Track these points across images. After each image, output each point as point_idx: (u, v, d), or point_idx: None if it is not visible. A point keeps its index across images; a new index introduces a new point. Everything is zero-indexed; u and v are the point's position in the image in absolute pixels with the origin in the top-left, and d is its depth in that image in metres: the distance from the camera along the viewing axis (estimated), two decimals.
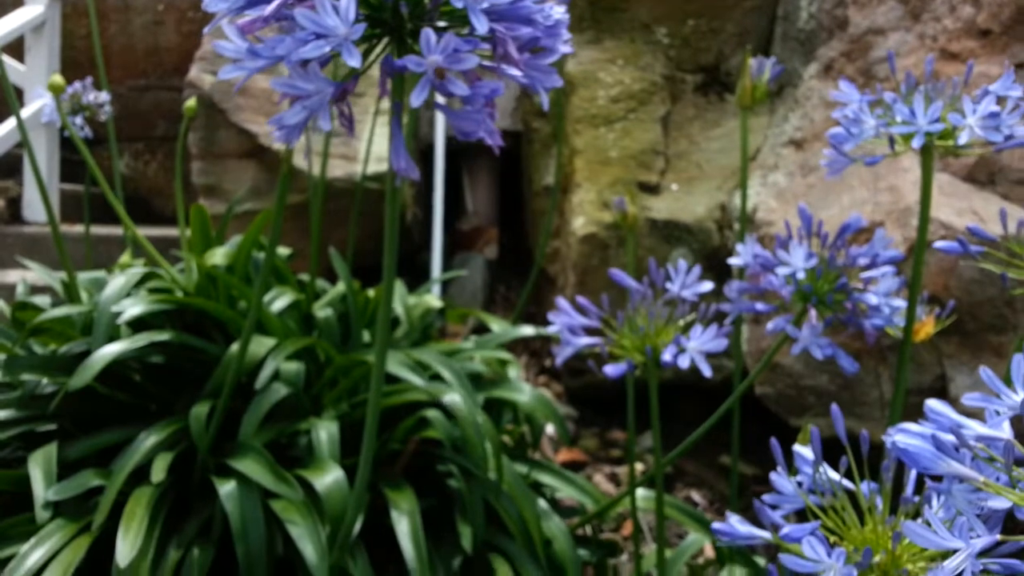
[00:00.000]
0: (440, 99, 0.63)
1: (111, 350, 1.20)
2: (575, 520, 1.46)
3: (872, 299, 0.92)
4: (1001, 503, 0.53)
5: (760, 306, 0.97)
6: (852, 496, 0.64)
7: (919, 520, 0.56)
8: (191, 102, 1.54)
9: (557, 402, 2.45)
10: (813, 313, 0.98)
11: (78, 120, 1.81)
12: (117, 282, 1.29)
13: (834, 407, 0.65)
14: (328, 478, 1.14)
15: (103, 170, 1.37)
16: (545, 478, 1.50)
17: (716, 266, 2.32)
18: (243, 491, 1.12)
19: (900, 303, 0.95)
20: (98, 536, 1.12)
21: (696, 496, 2.13)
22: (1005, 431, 0.53)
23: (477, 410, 1.26)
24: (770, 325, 0.98)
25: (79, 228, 2.97)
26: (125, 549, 1.03)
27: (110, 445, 1.25)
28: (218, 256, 1.41)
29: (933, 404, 0.55)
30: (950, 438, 0.53)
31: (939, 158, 1.83)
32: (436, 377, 1.38)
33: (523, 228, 2.99)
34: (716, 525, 0.63)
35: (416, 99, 0.50)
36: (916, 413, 0.58)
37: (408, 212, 2.60)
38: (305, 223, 1.98)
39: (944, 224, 1.57)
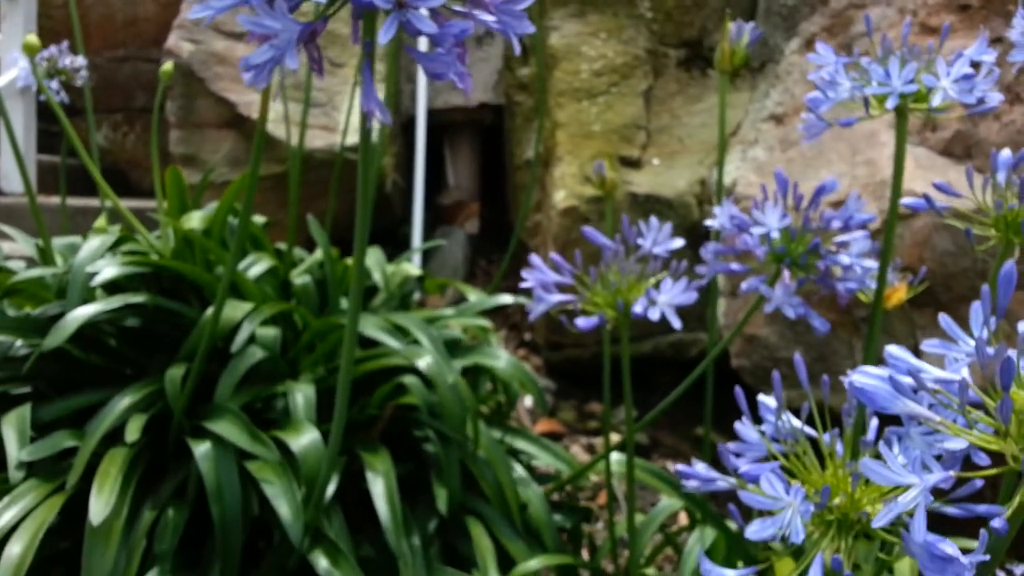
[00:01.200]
0: (418, 48, 0.63)
1: (85, 311, 1.19)
2: (551, 486, 1.48)
3: (844, 259, 0.93)
4: (957, 444, 0.54)
5: (735, 266, 0.98)
6: (815, 444, 0.65)
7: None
8: (167, 66, 1.52)
9: (536, 375, 2.46)
10: (786, 274, 0.98)
11: (54, 84, 1.78)
12: (92, 244, 1.28)
13: (796, 356, 0.66)
14: (304, 439, 1.14)
15: (80, 141, 1.35)
16: (522, 444, 1.52)
17: (696, 241, 2.33)
18: (218, 452, 1.12)
19: (872, 264, 0.96)
20: (72, 497, 1.12)
21: (671, 467, 2.15)
22: (963, 375, 0.54)
23: (452, 373, 1.26)
24: (744, 285, 0.99)
25: (55, 200, 2.94)
26: (99, 507, 1.03)
27: (84, 407, 1.24)
28: (195, 220, 1.40)
29: (892, 349, 0.56)
30: (908, 380, 0.54)
31: (916, 132, 1.84)
32: (414, 343, 1.38)
33: (505, 202, 2.98)
34: (680, 467, 0.64)
35: (384, 36, 0.49)
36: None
37: (388, 180, 2.59)
38: (284, 194, 1.97)
39: (919, 196, 1.58)
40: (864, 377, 0.52)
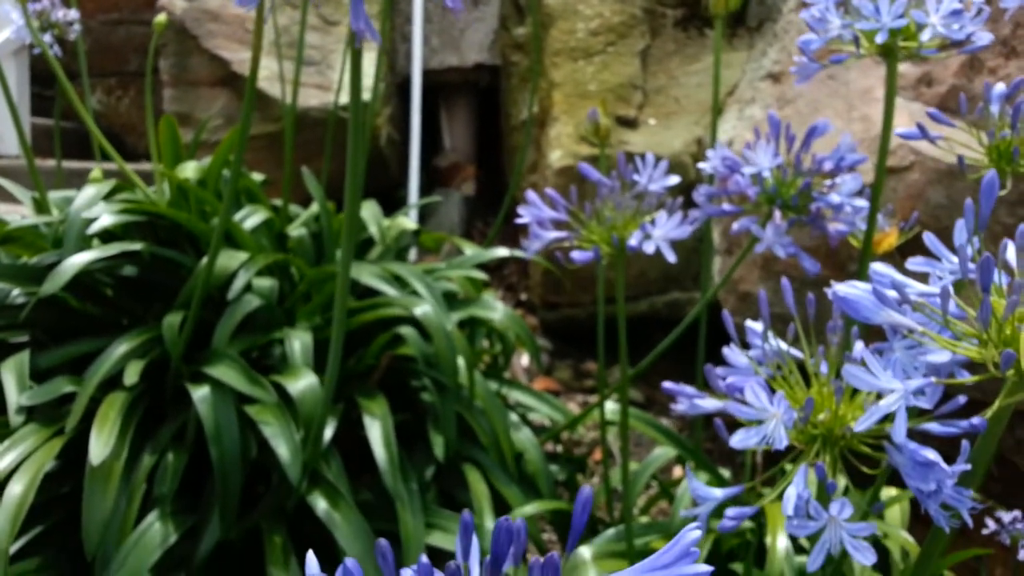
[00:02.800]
0: None
1: (82, 258, 1.20)
2: (546, 436, 1.49)
3: (835, 199, 0.94)
4: (940, 357, 0.55)
5: (727, 207, 0.99)
6: (801, 365, 0.66)
7: None
8: (161, 17, 1.51)
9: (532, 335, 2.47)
10: (778, 214, 0.99)
11: (47, 38, 1.77)
12: (87, 193, 1.28)
13: (784, 280, 0.67)
14: (302, 383, 1.15)
15: (74, 106, 1.35)
16: (518, 396, 1.53)
17: (692, 201, 2.33)
18: (217, 395, 1.13)
19: (863, 203, 0.97)
20: (72, 442, 1.13)
21: (666, 424, 2.17)
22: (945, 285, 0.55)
23: (448, 321, 1.27)
24: (735, 225, 1.00)
25: (51, 163, 2.93)
26: (98, 448, 1.05)
27: (82, 355, 1.25)
28: (189, 171, 1.40)
29: (876, 266, 0.56)
30: (893, 294, 0.55)
31: (912, 88, 1.84)
32: (411, 294, 1.39)
33: (501, 165, 2.98)
34: (667, 385, 0.65)
35: None
36: (880, 337, 0.60)
37: (382, 134, 2.58)
38: (279, 153, 1.96)
39: (913, 149, 1.59)
40: (848, 287, 0.53)
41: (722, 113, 2.32)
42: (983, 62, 1.67)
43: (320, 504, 1.12)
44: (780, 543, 1.23)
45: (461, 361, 1.32)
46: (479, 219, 2.91)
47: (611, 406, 1.45)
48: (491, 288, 2.55)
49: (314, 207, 1.57)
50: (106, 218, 1.26)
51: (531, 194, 0.87)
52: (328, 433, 1.18)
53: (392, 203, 2.84)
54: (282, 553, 1.12)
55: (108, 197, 1.30)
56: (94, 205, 1.24)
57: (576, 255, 0.82)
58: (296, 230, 1.53)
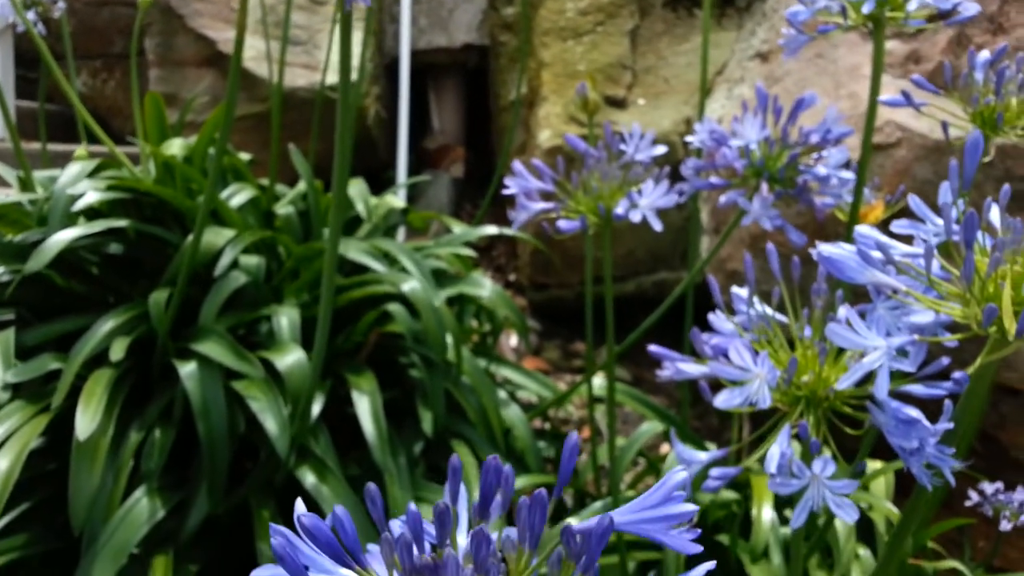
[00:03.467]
0: None
1: (67, 235, 1.19)
2: (534, 413, 1.50)
3: (821, 170, 0.94)
4: (924, 318, 0.55)
5: (715, 180, 0.99)
6: (787, 331, 0.66)
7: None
8: None
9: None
10: (764, 187, 0.99)
11: (31, 15, 1.75)
12: (72, 170, 1.27)
13: (769, 245, 0.67)
14: (289, 358, 1.15)
15: (59, 88, 1.34)
16: (506, 372, 1.53)
17: (680, 180, 2.33)
18: (204, 371, 1.13)
19: (849, 175, 0.97)
20: (59, 420, 1.12)
21: (655, 402, 2.18)
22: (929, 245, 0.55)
23: (436, 297, 1.27)
24: (722, 198, 1.00)
25: (35, 145, 2.90)
26: (84, 423, 1.04)
27: (68, 333, 1.24)
28: (175, 147, 1.39)
29: (861, 228, 0.57)
30: (877, 255, 0.55)
31: (900, 65, 1.84)
32: (400, 271, 1.39)
33: (490, 146, 2.97)
34: (653, 348, 0.65)
35: None
36: (865, 302, 0.60)
37: (370, 113, 2.57)
38: (266, 134, 1.95)
39: (901, 126, 1.59)
40: (833, 247, 0.53)
41: (711, 93, 2.32)
42: (970, 38, 1.67)
43: (308, 478, 1.12)
44: (765, 515, 1.24)
45: (449, 338, 1.32)
46: (468, 201, 2.90)
47: (599, 382, 1.46)
48: (480, 269, 2.55)
49: (301, 186, 1.57)
50: (91, 195, 1.25)
51: (517, 165, 0.87)
52: (316, 409, 1.17)
53: (380, 185, 2.83)
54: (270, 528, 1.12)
55: (93, 174, 1.29)
56: (79, 182, 1.23)
57: (562, 224, 0.82)
58: (283, 208, 1.52)
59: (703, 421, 2.11)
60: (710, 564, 0.37)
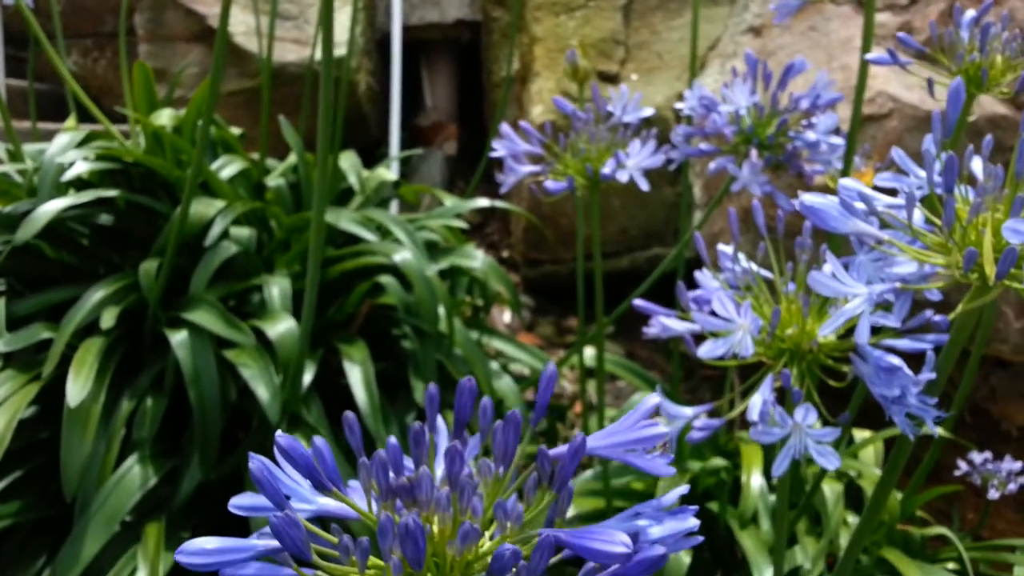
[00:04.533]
0: None
1: (57, 205, 1.19)
2: (525, 384, 1.50)
3: (811, 136, 0.94)
4: (906, 269, 0.55)
5: (704, 146, 0.99)
6: (772, 287, 0.67)
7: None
8: None
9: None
10: (754, 153, 0.99)
11: None
12: (61, 140, 1.27)
13: (755, 203, 0.68)
14: (281, 327, 1.15)
15: (51, 68, 1.33)
16: (499, 344, 1.54)
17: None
18: (195, 339, 1.13)
19: (839, 141, 0.97)
20: (51, 388, 1.12)
21: (644, 371, 2.19)
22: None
23: (428, 267, 1.27)
24: (712, 165, 1.00)
25: (25, 124, 2.88)
26: (75, 391, 1.04)
27: (59, 303, 1.24)
28: (164, 118, 1.38)
29: (845, 181, 0.57)
30: (860, 206, 0.55)
31: (892, 37, 1.84)
32: (392, 242, 1.39)
33: (483, 123, 2.96)
34: (639, 302, 0.66)
35: None
36: (849, 255, 0.60)
37: (362, 90, 2.55)
38: (256, 110, 1.94)
39: (892, 97, 1.59)
40: (815, 196, 0.53)
41: (704, 68, 2.32)
42: (962, 11, 1.67)
43: None
44: (754, 482, 1.25)
45: (441, 309, 1.32)
46: (461, 178, 2.89)
47: (591, 353, 1.46)
48: (472, 244, 2.55)
49: (292, 158, 1.56)
50: (80, 165, 1.24)
51: (505, 127, 0.87)
52: (308, 378, 1.18)
53: (373, 161, 2.81)
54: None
55: (82, 145, 1.29)
56: (68, 152, 1.23)
57: (549, 184, 0.82)
58: (274, 181, 1.52)
59: (695, 395, 2.11)
60: (694, 524, 0.37)
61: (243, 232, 1.35)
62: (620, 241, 2.36)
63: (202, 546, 0.36)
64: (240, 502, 0.40)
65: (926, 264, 0.53)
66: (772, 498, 1.23)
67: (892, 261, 0.56)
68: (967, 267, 0.45)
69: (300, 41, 2.40)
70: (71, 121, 1.39)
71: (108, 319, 1.12)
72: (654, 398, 0.35)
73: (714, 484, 1.31)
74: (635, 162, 0.84)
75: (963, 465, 1.59)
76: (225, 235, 1.28)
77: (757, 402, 0.54)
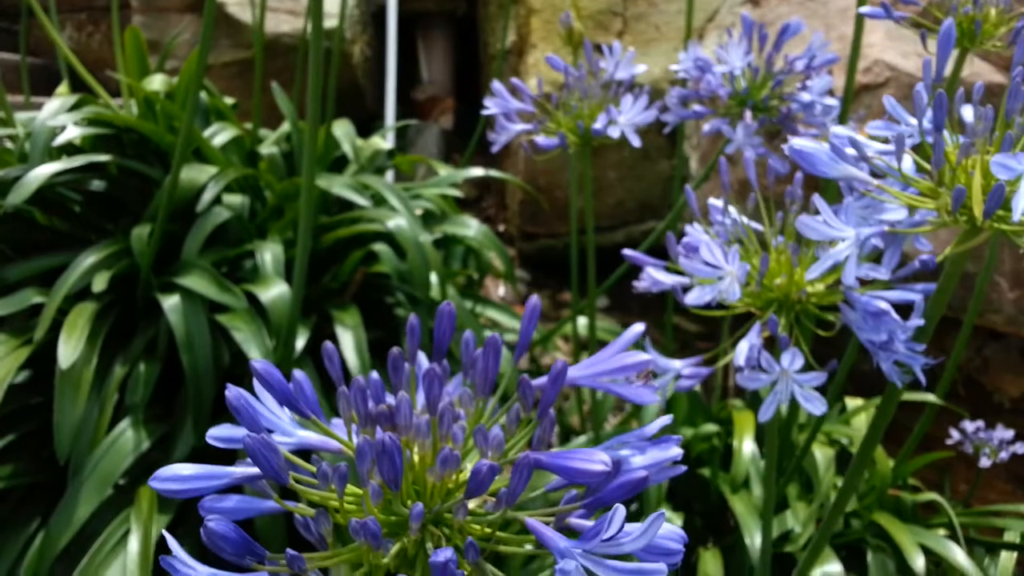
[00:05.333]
0: None
1: (49, 168, 1.18)
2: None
3: (805, 97, 0.94)
4: (895, 215, 0.55)
5: (699, 107, 0.98)
6: (762, 240, 0.66)
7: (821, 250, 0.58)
8: None
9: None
10: (748, 115, 0.99)
11: None
12: (53, 105, 1.26)
13: (747, 154, 0.67)
14: (273, 291, 1.15)
15: (44, 42, 1.32)
16: (492, 314, 1.54)
17: (671, 130, 2.32)
18: (187, 304, 1.13)
19: (833, 102, 0.96)
20: (43, 353, 1.12)
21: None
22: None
23: (422, 233, 1.27)
24: (706, 127, 0.99)
25: (19, 98, 2.86)
26: (66, 352, 1.04)
27: (50, 269, 1.24)
28: (157, 83, 1.37)
29: (836, 128, 0.56)
30: (851, 152, 0.55)
31: (891, 3, 1.82)
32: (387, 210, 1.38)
33: (479, 97, 2.94)
34: (628, 252, 0.65)
35: None
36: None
37: (357, 62, 2.54)
38: (251, 81, 1.92)
39: (889, 65, 1.58)
40: (805, 141, 0.53)
41: (702, 40, 2.30)
42: None
43: None
44: (746, 447, 1.25)
45: (434, 276, 1.32)
46: (457, 152, 2.88)
47: (584, 322, 1.46)
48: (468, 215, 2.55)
49: (285, 126, 1.55)
50: (72, 130, 1.23)
51: (497, 85, 0.86)
52: (300, 343, 1.18)
53: (368, 134, 2.80)
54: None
55: (74, 109, 1.28)
56: (59, 115, 1.22)
57: (540, 140, 0.81)
58: (267, 149, 1.51)
59: None
60: (677, 453, 0.37)
61: (236, 199, 1.34)
62: (616, 215, 2.36)
63: (177, 472, 0.36)
64: (218, 433, 0.40)
65: (916, 212, 0.52)
66: (764, 464, 1.24)
67: (881, 207, 0.56)
68: (955, 207, 0.45)
69: (294, 12, 2.38)
70: (63, 87, 1.37)
71: (100, 283, 1.12)
72: (638, 327, 0.35)
73: (706, 450, 1.31)
74: (627, 118, 0.83)
75: (955, 434, 1.60)
76: (217, 201, 1.27)
77: (743, 347, 0.54)
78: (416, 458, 0.37)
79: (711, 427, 1.31)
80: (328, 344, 0.39)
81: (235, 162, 1.44)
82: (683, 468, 0.37)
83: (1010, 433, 1.56)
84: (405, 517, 0.35)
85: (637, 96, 0.87)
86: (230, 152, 1.45)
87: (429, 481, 0.36)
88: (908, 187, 0.52)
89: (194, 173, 1.27)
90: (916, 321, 0.53)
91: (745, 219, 0.66)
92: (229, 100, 1.68)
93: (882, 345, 0.53)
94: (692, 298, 0.57)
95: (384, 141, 1.66)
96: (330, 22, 2.32)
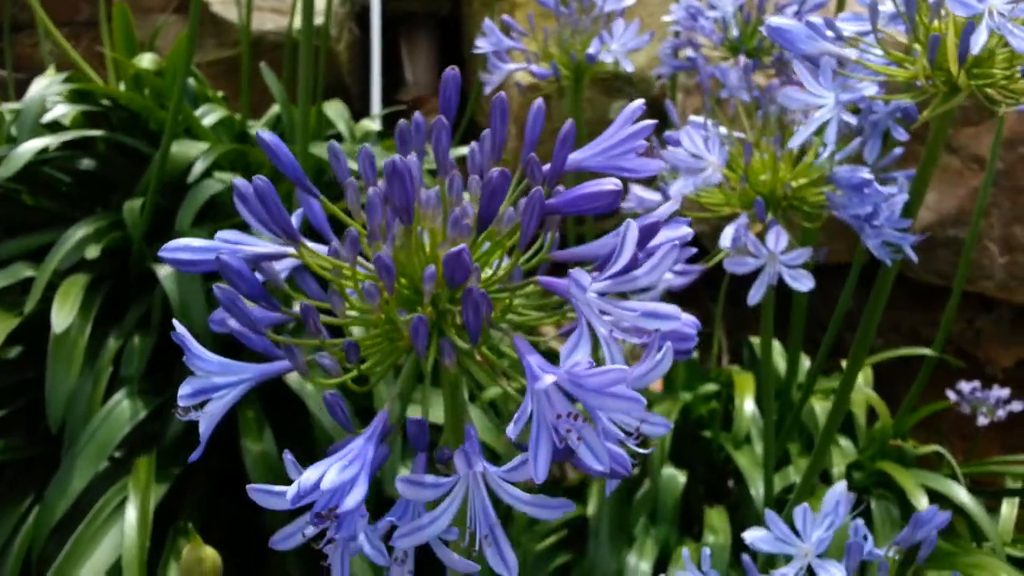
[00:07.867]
0: None
1: (37, 143, 1.18)
2: None
3: None
4: (871, 90, 0.56)
5: (691, 53, 0.99)
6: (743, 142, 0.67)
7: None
8: None
9: None
10: (742, 59, 0.99)
11: None
12: (41, 83, 1.26)
13: (722, 66, 0.68)
14: None
15: (26, 57, 1.33)
16: None
17: (656, 115, 2.33)
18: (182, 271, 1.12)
19: None
20: (36, 326, 1.12)
21: None
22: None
23: None
24: (699, 77, 1.00)
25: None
26: (60, 319, 1.04)
27: (40, 247, 1.23)
28: (146, 61, 1.38)
29: (813, 16, 0.57)
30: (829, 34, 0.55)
31: None
32: None
33: (466, 96, 2.96)
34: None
35: None
36: None
37: (342, 60, 2.55)
38: (237, 79, 1.93)
39: None
40: (783, 19, 0.53)
41: None
42: None
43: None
44: (747, 406, 1.26)
45: None
46: None
47: None
48: None
49: (275, 108, 1.56)
50: (61, 108, 1.24)
51: (488, 23, 0.87)
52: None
53: None
54: (255, 425, 1.12)
55: (63, 85, 1.28)
56: (48, 90, 1.22)
57: (535, 68, 0.82)
58: (258, 128, 1.51)
59: None
60: (687, 232, 0.38)
61: (227, 176, 1.34)
62: None
63: (188, 243, 0.37)
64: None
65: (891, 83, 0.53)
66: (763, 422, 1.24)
67: (857, 88, 0.56)
68: (932, 54, 0.46)
69: (279, 10, 2.40)
70: (50, 71, 1.38)
71: (92, 251, 1.12)
72: (639, 101, 0.35)
73: (707, 413, 1.31)
74: (620, 44, 0.84)
75: (951, 395, 1.60)
76: (208, 175, 1.28)
77: (729, 231, 0.55)
78: (428, 236, 0.37)
79: (711, 387, 1.31)
80: (333, 144, 0.39)
81: (225, 140, 1.44)
82: (694, 250, 0.37)
83: (1006, 392, 1.57)
84: (419, 280, 0.34)
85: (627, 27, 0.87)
86: (220, 132, 1.45)
87: (441, 256, 0.36)
88: (887, 62, 0.53)
89: (185, 147, 1.27)
90: (903, 196, 0.54)
91: (724, 130, 0.67)
92: (219, 94, 1.69)
93: (868, 218, 0.53)
94: (675, 189, 0.58)
95: (374, 123, 1.67)
96: (316, 20, 2.33)
